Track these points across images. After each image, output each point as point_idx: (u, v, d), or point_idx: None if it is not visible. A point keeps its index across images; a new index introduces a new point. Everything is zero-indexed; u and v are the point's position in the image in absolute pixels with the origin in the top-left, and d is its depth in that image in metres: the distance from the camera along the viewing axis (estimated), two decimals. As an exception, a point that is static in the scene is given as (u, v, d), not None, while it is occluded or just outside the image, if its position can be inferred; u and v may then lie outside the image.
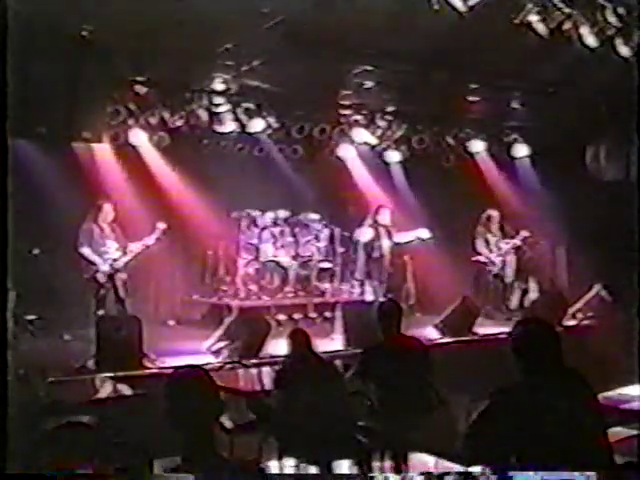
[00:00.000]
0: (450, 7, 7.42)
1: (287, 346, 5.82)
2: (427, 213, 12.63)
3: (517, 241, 12.18)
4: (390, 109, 12.08)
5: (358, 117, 12.05)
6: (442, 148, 12.89)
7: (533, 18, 7.97)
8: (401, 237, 11.40)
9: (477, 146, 12.94)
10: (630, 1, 7.98)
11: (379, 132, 12.31)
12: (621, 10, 8.02)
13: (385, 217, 11.42)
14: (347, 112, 11.88)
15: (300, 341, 5.70)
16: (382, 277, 11.44)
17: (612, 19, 8.08)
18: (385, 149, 12.68)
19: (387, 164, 12.90)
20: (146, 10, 7.53)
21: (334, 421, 5.02)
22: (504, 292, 12.40)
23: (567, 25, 8.13)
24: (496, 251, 12.19)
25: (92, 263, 8.87)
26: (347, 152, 12.42)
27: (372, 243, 11.39)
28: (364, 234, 11.47)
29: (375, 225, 11.41)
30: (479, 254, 12.19)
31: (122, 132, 10.39)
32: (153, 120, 10.44)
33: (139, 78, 9.95)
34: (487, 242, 12.24)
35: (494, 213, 12.29)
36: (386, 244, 11.37)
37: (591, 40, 8.26)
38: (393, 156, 12.80)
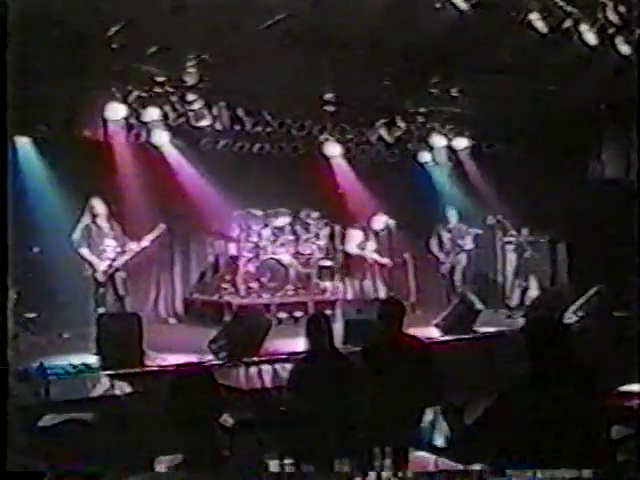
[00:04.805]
0: (451, 5, 7.43)
1: (305, 334, 5.57)
2: (427, 213, 12.66)
3: (467, 242, 11.95)
4: (390, 109, 12.09)
5: (359, 116, 12.07)
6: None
7: (533, 16, 7.97)
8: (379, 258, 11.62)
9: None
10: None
11: (380, 131, 12.34)
12: (621, 8, 8.02)
13: (378, 224, 11.53)
14: (348, 111, 11.89)
15: (320, 330, 5.52)
16: (371, 276, 11.56)
17: (612, 17, 8.08)
18: (388, 147, 12.70)
19: (388, 164, 12.90)
20: (147, 8, 7.53)
21: (336, 420, 5.02)
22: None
23: (567, 23, 8.14)
24: (450, 249, 12.02)
25: (90, 263, 8.85)
26: (348, 151, 12.42)
27: (362, 244, 11.51)
28: (353, 236, 11.56)
29: (368, 228, 11.53)
30: (430, 252, 12.14)
31: (123, 130, 10.39)
32: (154, 118, 10.44)
33: (139, 76, 9.95)
34: (441, 239, 12.10)
35: (451, 209, 12.18)
36: (371, 247, 11.45)
37: (591, 38, 8.27)
38: (393, 156, 12.84)
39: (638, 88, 8.13)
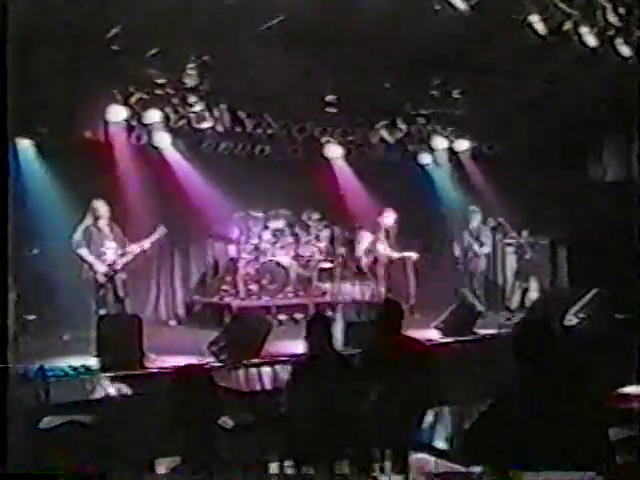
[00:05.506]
0: (451, 7, 7.44)
1: (305, 335, 5.53)
2: (427, 214, 12.67)
3: (483, 249, 11.85)
4: (391, 110, 12.10)
5: (360, 118, 12.08)
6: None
7: (534, 18, 7.98)
8: (392, 253, 11.52)
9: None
10: (630, 1, 7.99)
11: (381, 132, 12.34)
12: (621, 10, 8.03)
13: (388, 220, 11.47)
14: (349, 113, 11.89)
15: (320, 332, 5.51)
16: (382, 278, 11.49)
17: (612, 19, 8.09)
18: (389, 149, 12.70)
19: (389, 165, 12.90)
20: (147, 8, 7.54)
21: (336, 422, 5.02)
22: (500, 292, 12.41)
23: (567, 25, 8.15)
24: (468, 251, 11.92)
25: (90, 265, 8.85)
26: (349, 152, 12.43)
27: (371, 245, 11.45)
28: (363, 238, 11.53)
29: (377, 227, 11.47)
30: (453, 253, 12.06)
31: (123, 132, 10.39)
32: (155, 120, 10.45)
33: (140, 78, 9.96)
34: (462, 240, 12.01)
35: (475, 209, 12.07)
36: (383, 246, 11.42)
37: (591, 40, 8.28)
38: (394, 158, 12.84)
39: (638, 90, 8.14)
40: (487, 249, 12.01)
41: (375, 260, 11.50)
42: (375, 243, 11.47)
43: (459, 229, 12.11)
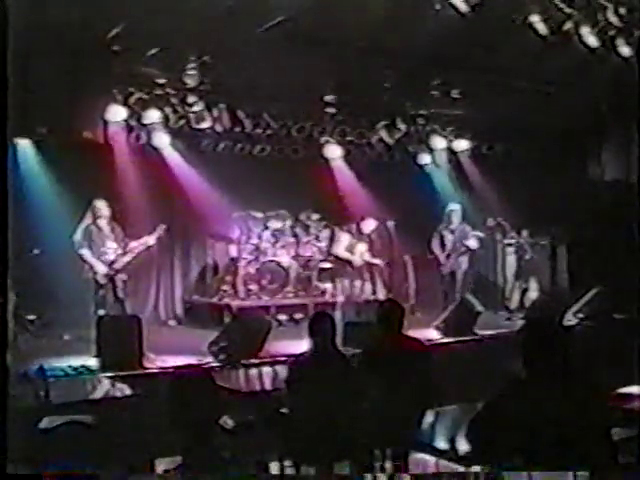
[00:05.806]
0: (451, 7, 7.44)
1: (308, 333, 5.50)
2: (427, 214, 12.65)
3: (472, 242, 11.56)
4: (391, 110, 12.10)
5: (360, 118, 12.08)
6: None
7: (534, 18, 7.98)
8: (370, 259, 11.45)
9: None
10: (631, 1, 7.99)
11: (380, 133, 12.34)
12: (622, 10, 8.04)
13: (367, 227, 11.42)
14: (349, 113, 11.89)
15: (323, 330, 5.53)
16: (381, 277, 11.48)
17: (613, 19, 8.09)
18: (388, 149, 12.70)
19: (389, 165, 12.90)
20: (147, 8, 7.54)
21: (336, 421, 5.02)
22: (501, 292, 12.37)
23: (568, 25, 8.15)
24: (450, 250, 11.61)
25: (91, 265, 8.85)
26: (348, 152, 12.43)
27: (350, 247, 11.39)
28: (341, 237, 11.47)
29: (355, 232, 11.42)
30: (432, 252, 11.78)
31: (123, 132, 10.39)
32: (154, 120, 10.45)
33: (140, 78, 9.96)
34: (443, 240, 11.69)
35: (456, 208, 11.84)
36: (361, 249, 11.38)
37: (592, 40, 8.28)
38: (394, 158, 12.84)
39: (638, 90, 8.14)
40: (474, 246, 11.74)
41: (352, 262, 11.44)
42: (354, 246, 11.39)
43: (442, 228, 11.86)
